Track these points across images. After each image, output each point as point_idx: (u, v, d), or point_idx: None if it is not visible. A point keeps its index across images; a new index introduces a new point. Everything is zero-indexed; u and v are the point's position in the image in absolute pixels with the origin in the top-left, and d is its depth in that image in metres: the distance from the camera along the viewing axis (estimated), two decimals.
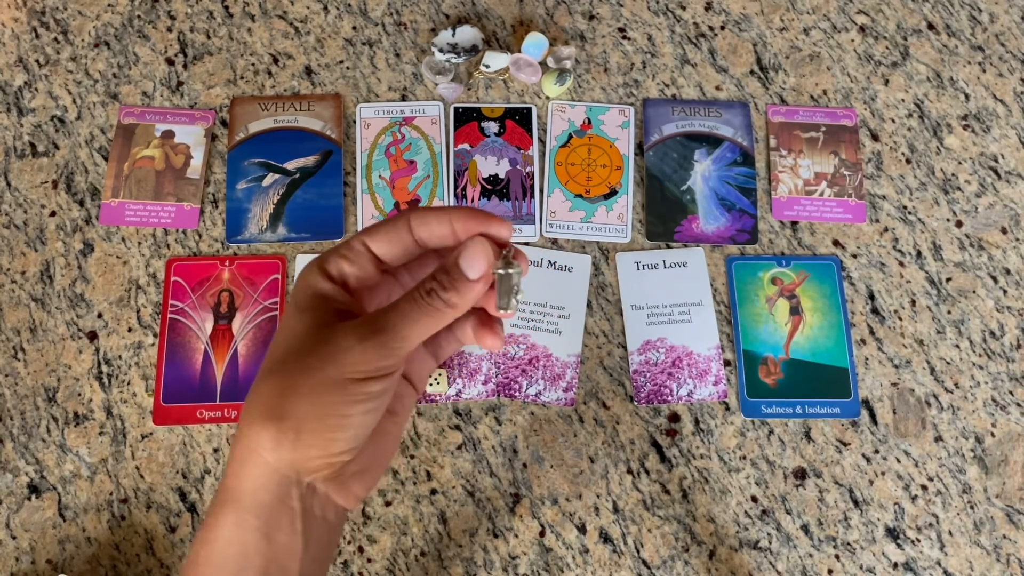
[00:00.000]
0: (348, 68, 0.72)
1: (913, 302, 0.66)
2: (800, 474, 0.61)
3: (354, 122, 0.70)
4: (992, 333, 0.65)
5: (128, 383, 0.63)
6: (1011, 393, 0.64)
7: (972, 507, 0.61)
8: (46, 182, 0.68)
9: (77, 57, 0.71)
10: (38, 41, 0.72)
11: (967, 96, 0.72)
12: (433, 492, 0.61)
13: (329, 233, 0.67)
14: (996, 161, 0.70)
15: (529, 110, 0.71)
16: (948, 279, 0.67)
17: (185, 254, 0.66)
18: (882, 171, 0.70)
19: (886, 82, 0.72)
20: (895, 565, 0.59)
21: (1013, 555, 0.60)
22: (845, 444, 0.62)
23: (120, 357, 0.63)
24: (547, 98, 0.71)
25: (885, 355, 0.64)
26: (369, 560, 0.59)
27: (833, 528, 0.60)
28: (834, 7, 0.75)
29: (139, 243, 0.66)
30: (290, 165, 0.69)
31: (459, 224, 0.35)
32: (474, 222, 0.35)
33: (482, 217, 0.35)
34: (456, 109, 0.71)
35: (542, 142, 0.70)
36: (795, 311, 0.65)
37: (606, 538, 0.60)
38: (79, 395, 0.62)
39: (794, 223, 0.68)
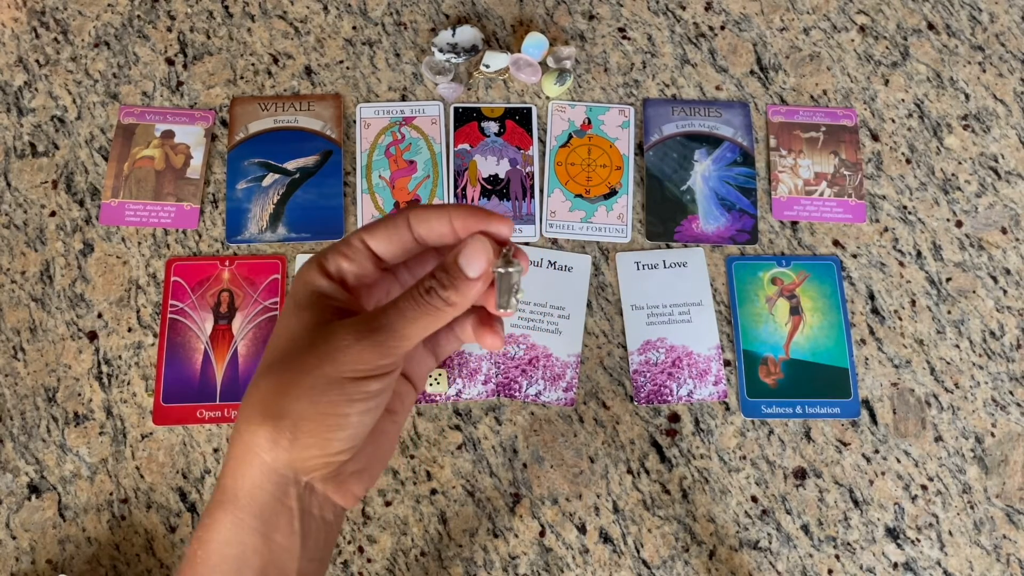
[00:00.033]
0: (348, 68, 0.72)
1: (913, 302, 0.66)
2: (800, 474, 0.61)
3: (354, 122, 0.70)
4: (992, 333, 0.65)
5: (128, 383, 0.63)
6: (1011, 393, 0.63)
7: (972, 507, 0.61)
8: (46, 182, 0.68)
9: (77, 57, 0.71)
10: (38, 41, 0.72)
11: (967, 96, 0.72)
12: (433, 492, 0.61)
13: (329, 233, 0.67)
14: (996, 161, 0.70)
15: (529, 110, 0.71)
16: (948, 279, 0.66)
17: (185, 254, 0.66)
18: (882, 171, 0.70)
19: (886, 82, 0.72)
20: (895, 565, 0.59)
21: (1013, 555, 0.60)
22: (845, 444, 0.62)
23: (120, 357, 0.63)
24: (547, 98, 0.71)
25: (885, 355, 0.64)
26: (369, 560, 0.59)
27: (833, 528, 0.60)
28: (834, 7, 0.75)
29: (139, 243, 0.66)
30: (290, 165, 0.69)
31: (459, 222, 0.35)
32: (474, 220, 0.35)
33: (482, 215, 0.35)
34: (456, 109, 0.71)
35: (542, 142, 0.70)
36: (795, 311, 0.65)
37: (606, 538, 0.60)
38: (79, 395, 0.62)
39: (794, 223, 0.68)
